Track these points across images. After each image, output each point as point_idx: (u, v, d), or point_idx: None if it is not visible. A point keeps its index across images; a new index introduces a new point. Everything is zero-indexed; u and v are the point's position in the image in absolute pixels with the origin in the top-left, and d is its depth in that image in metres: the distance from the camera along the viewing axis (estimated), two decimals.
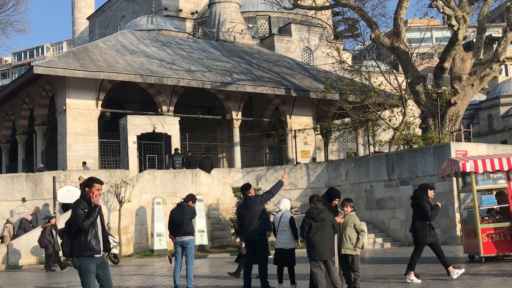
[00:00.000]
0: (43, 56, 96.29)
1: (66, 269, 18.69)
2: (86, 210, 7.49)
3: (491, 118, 55.89)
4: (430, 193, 11.74)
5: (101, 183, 7.73)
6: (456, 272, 11.29)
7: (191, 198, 12.15)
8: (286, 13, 42.72)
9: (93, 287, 7.48)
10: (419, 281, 11.17)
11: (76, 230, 7.51)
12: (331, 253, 9.66)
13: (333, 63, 31.70)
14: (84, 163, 25.76)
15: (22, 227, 21.68)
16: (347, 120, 34.08)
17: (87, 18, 60.87)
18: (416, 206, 11.56)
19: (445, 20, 28.84)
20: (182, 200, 12.40)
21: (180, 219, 11.64)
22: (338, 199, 10.64)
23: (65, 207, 23.04)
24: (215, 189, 25.93)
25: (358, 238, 10.22)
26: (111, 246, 20.54)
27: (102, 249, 7.63)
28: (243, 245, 13.89)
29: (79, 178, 23.56)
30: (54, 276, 17.38)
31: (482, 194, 14.31)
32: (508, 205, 13.74)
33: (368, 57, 45.88)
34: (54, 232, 19.39)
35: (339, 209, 10.66)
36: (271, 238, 11.84)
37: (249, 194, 11.08)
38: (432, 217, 11.33)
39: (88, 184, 7.65)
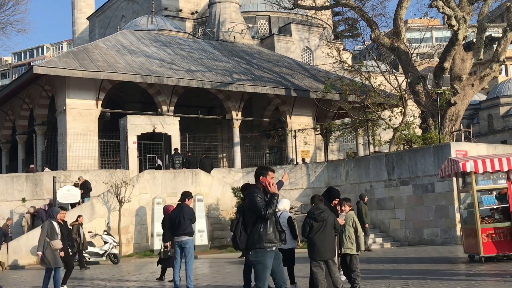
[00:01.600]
0: (43, 56, 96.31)
1: (88, 270, 18.60)
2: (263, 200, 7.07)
3: (491, 118, 55.90)
4: None
5: (273, 171, 7.40)
6: None
7: (186, 195, 11.90)
8: (286, 13, 42.71)
9: (267, 283, 7.16)
10: None
11: (253, 221, 7.13)
12: (331, 253, 9.65)
13: (333, 63, 31.68)
14: (45, 165, 25.80)
15: (40, 217, 21.96)
16: (347, 120, 34.07)
17: (87, 18, 60.88)
18: None
19: (445, 20, 28.84)
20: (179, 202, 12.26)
21: (178, 219, 11.61)
22: (338, 199, 10.64)
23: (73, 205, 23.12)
24: (215, 189, 25.93)
25: (357, 241, 10.18)
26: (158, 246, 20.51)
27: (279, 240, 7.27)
28: (162, 249, 14.08)
29: (79, 178, 23.61)
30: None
31: (482, 194, 14.31)
32: (508, 205, 13.74)
33: (368, 57, 45.87)
34: (81, 230, 19.59)
35: (338, 208, 10.64)
36: None
37: None
38: None
39: (261, 173, 7.32)
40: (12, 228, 22.58)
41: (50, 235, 11.89)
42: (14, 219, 23.14)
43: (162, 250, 14.24)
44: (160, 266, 14.50)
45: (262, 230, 7.10)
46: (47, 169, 25.41)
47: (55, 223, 12.14)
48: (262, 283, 7.13)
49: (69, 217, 22.33)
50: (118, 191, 22.75)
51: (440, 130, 25.63)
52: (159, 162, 27.26)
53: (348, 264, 10.15)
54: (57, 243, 11.91)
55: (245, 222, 7.27)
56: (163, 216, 14.85)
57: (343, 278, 10.26)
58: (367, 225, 20.26)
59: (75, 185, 23.15)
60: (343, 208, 10.39)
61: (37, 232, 21.57)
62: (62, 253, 12.16)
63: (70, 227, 19.79)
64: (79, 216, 20.15)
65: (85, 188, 23.19)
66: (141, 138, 26.93)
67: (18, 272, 19.21)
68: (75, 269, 18.70)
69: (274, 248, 7.18)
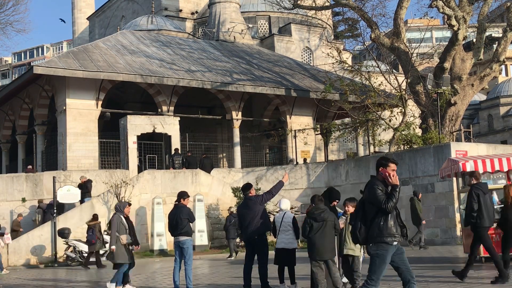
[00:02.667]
0: (43, 56, 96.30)
1: (104, 269, 18.49)
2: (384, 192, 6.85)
3: (491, 118, 55.90)
4: None
5: (396, 163, 7.12)
6: None
7: (182, 195, 11.80)
8: (286, 13, 42.72)
9: (380, 278, 6.91)
10: None
11: (373, 213, 6.91)
12: (331, 253, 9.64)
13: (333, 63, 31.68)
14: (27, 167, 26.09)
15: (48, 212, 22.23)
16: (347, 120, 34.07)
17: (87, 18, 60.87)
18: None
19: (445, 20, 28.85)
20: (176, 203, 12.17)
21: (176, 220, 11.57)
22: (338, 201, 10.61)
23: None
24: (215, 189, 25.93)
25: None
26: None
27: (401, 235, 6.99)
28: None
29: (80, 178, 23.62)
30: (68, 274, 17.39)
31: None
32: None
33: (368, 57, 45.87)
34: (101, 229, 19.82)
35: (338, 210, 10.60)
36: (271, 238, 11.84)
37: (250, 194, 11.08)
38: None
39: (382, 164, 7.11)
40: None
41: (119, 229, 11.76)
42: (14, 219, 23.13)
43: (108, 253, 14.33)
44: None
45: (382, 223, 6.85)
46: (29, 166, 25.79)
47: (123, 217, 11.99)
48: (375, 276, 6.87)
49: (69, 217, 22.40)
50: (118, 191, 22.76)
51: (440, 130, 25.64)
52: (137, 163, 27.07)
53: (350, 265, 10.05)
54: (126, 238, 11.80)
55: (364, 214, 7.04)
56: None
57: (345, 280, 10.21)
58: (424, 221, 20.14)
59: (79, 185, 23.26)
60: (346, 209, 10.20)
61: (38, 231, 21.67)
62: (136, 248, 12.11)
63: (90, 226, 19.82)
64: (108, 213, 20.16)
65: (84, 188, 23.19)
66: (141, 138, 26.91)
67: (19, 272, 19.20)
68: (91, 269, 18.77)
69: (395, 243, 6.93)
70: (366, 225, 7.00)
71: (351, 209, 10.17)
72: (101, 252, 20.75)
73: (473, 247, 11.41)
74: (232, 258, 20.84)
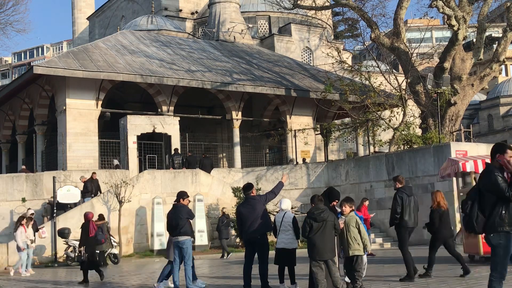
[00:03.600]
0: (43, 56, 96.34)
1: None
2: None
3: (491, 118, 55.90)
4: None
5: None
6: None
7: (181, 195, 11.81)
8: (286, 13, 42.72)
9: (506, 269, 6.66)
10: None
11: (493, 202, 6.70)
12: (331, 253, 9.62)
13: (333, 63, 31.69)
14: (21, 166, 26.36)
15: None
16: (347, 120, 34.08)
17: (87, 18, 60.89)
18: None
19: (445, 20, 28.85)
20: (176, 202, 12.15)
21: (175, 220, 11.55)
22: (338, 201, 10.60)
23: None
24: (215, 189, 25.92)
25: (363, 242, 9.98)
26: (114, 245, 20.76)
27: None
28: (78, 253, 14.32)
29: (80, 178, 23.62)
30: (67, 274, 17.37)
31: None
32: None
33: (368, 57, 45.88)
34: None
35: (338, 210, 10.57)
36: (271, 238, 11.84)
37: (251, 194, 11.08)
38: None
39: (499, 150, 6.86)
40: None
41: None
42: (14, 219, 23.10)
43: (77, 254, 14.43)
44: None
45: (504, 212, 6.66)
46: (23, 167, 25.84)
47: None
48: (501, 267, 6.68)
49: (69, 217, 22.38)
50: (118, 191, 22.76)
51: (440, 130, 25.64)
52: (116, 162, 27.03)
53: (353, 265, 10.01)
54: None
55: (482, 203, 6.87)
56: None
57: (347, 279, 10.19)
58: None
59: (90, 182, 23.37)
60: (343, 208, 10.14)
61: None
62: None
63: (99, 226, 19.81)
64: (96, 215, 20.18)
65: (84, 188, 23.19)
66: (141, 138, 26.93)
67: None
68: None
69: None
70: (484, 214, 6.82)
71: (348, 209, 10.16)
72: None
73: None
74: (225, 257, 20.98)
